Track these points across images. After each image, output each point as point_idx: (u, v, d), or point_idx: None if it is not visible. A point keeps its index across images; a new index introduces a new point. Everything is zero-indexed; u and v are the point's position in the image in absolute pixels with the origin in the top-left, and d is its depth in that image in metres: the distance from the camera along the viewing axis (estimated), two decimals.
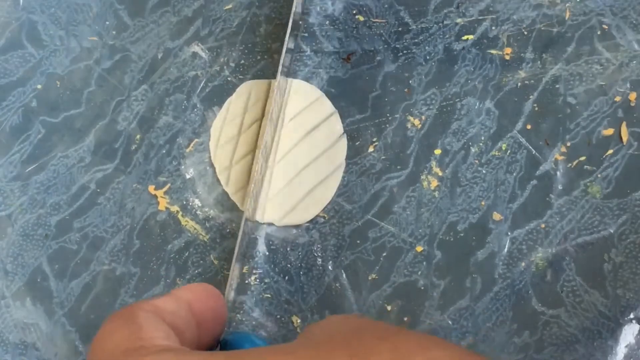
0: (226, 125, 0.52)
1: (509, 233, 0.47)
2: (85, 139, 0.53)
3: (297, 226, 0.49)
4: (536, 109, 0.50)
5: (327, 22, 0.54)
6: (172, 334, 0.23)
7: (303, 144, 0.50)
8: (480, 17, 0.52)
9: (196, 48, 0.55)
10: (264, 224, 0.49)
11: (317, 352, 0.20)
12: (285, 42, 0.50)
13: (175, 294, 0.25)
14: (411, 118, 0.50)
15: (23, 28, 0.56)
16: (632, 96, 0.49)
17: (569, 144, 0.49)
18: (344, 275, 0.47)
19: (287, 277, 0.48)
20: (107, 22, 0.56)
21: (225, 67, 0.54)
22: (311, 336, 0.23)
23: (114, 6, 0.56)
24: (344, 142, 0.50)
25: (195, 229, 0.50)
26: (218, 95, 0.53)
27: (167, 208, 0.51)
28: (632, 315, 0.45)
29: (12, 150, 0.53)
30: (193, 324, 0.25)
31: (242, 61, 0.54)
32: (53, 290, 0.49)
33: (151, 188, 0.51)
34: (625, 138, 0.48)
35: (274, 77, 0.53)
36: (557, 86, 0.50)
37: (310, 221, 0.49)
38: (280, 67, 0.49)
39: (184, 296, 0.25)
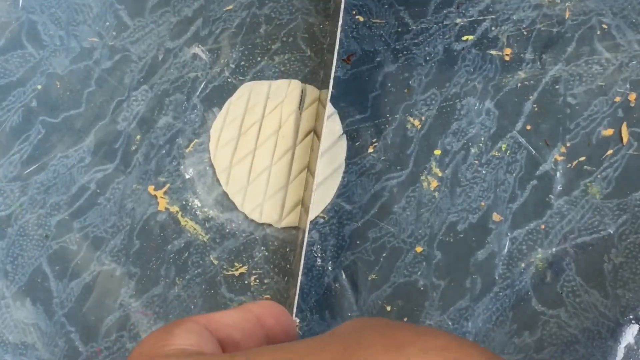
0: (226, 126, 0.52)
1: (509, 233, 0.47)
2: (85, 139, 0.53)
3: (297, 227, 0.49)
4: (536, 109, 0.50)
5: (327, 23, 0.54)
6: (210, 344, 0.24)
7: (303, 145, 0.50)
8: (480, 17, 0.52)
9: (196, 49, 0.55)
10: (263, 224, 0.49)
11: (313, 345, 0.21)
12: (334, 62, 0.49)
13: (244, 307, 0.26)
14: (411, 118, 0.50)
15: (23, 28, 0.56)
16: (632, 96, 0.49)
17: (568, 144, 0.49)
18: (344, 275, 0.47)
19: (287, 278, 0.48)
20: (107, 23, 0.56)
21: (225, 68, 0.54)
22: (326, 334, 0.24)
23: (114, 6, 0.56)
24: (343, 143, 0.50)
25: (195, 229, 0.50)
26: (218, 96, 0.53)
27: (166, 208, 0.51)
28: (631, 316, 0.45)
29: (12, 151, 0.53)
30: (260, 337, 0.26)
31: (242, 62, 0.54)
32: (53, 290, 0.49)
33: (151, 188, 0.51)
34: (625, 138, 0.48)
35: (274, 78, 0.53)
36: (557, 86, 0.50)
37: (310, 222, 0.49)
38: (331, 80, 0.49)
39: (254, 310, 0.26)
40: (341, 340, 0.21)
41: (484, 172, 0.49)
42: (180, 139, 0.52)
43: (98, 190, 0.52)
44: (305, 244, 0.46)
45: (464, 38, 0.52)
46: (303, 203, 0.49)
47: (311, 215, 0.49)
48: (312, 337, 0.23)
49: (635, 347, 0.44)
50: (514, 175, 0.48)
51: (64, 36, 0.56)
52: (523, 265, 0.46)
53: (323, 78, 0.52)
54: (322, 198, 0.49)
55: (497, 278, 0.46)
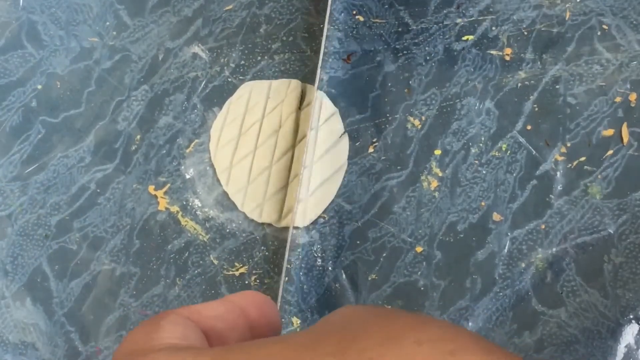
0: (226, 126, 0.52)
1: (509, 233, 0.47)
2: (85, 139, 0.53)
3: (297, 227, 0.49)
4: (536, 109, 0.50)
5: (327, 22, 0.54)
6: (196, 335, 0.24)
7: (302, 145, 0.50)
8: (480, 18, 0.52)
9: (196, 49, 0.55)
10: (263, 224, 0.49)
11: (308, 338, 0.21)
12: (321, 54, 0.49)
13: (227, 299, 0.26)
14: (411, 118, 0.50)
15: (23, 28, 0.56)
16: (632, 96, 0.49)
17: (569, 144, 0.49)
18: (344, 275, 0.47)
19: (287, 278, 0.48)
20: (107, 22, 0.56)
21: (225, 67, 0.54)
22: (319, 324, 0.23)
23: (114, 6, 0.56)
24: (345, 142, 0.50)
25: (195, 229, 0.50)
26: (218, 96, 0.53)
27: (167, 208, 0.51)
28: (631, 315, 0.45)
29: (12, 151, 0.53)
30: (244, 328, 0.26)
31: (242, 62, 0.54)
32: (53, 290, 0.49)
33: (151, 188, 0.51)
34: (625, 138, 0.48)
35: (274, 78, 0.53)
36: (557, 86, 0.50)
37: (311, 222, 0.49)
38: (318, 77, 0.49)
39: (237, 301, 0.26)
40: (335, 332, 0.21)
41: (484, 172, 0.49)
42: (181, 139, 0.52)
43: (98, 190, 0.52)
44: (289, 242, 0.46)
45: (464, 38, 0.52)
46: (298, 201, 0.49)
47: (313, 215, 0.49)
48: (307, 328, 0.23)
49: (635, 347, 0.44)
50: (514, 175, 0.48)
51: (64, 36, 0.56)
52: (523, 265, 0.46)
53: (327, 80, 0.52)
54: (323, 198, 0.49)
55: (497, 278, 0.46)
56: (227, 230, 0.50)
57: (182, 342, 0.23)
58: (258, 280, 0.48)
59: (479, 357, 0.19)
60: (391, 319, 0.21)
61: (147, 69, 0.54)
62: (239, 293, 0.27)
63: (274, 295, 0.47)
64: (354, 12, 0.53)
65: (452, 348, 0.19)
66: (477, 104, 0.50)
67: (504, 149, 0.49)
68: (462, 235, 0.47)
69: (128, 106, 0.54)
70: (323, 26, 0.53)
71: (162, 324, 0.23)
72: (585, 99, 0.49)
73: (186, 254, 0.49)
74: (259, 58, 0.54)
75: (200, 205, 0.50)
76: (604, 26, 0.51)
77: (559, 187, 0.48)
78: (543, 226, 0.47)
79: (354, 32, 0.53)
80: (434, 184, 0.49)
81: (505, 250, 0.47)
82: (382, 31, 0.53)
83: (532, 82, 0.50)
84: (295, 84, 0.52)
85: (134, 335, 0.23)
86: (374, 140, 0.50)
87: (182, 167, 0.52)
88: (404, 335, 0.20)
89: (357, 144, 0.50)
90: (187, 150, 0.52)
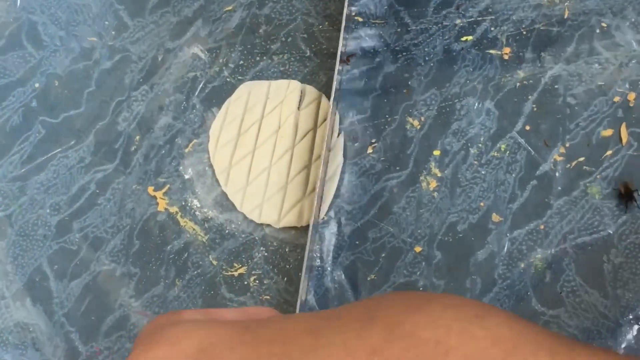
0: (225, 126, 0.52)
1: (509, 233, 0.47)
2: (85, 140, 0.53)
3: (296, 227, 0.49)
4: (535, 109, 0.50)
5: (327, 23, 0.54)
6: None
7: (302, 145, 0.50)
8: (480, 18, 0.52)
9: (196, 49, 0.55)
10: (262, 224, 0.49)
11: (334, 312, 0.23)
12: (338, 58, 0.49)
13: (243, 308, 0.28)
14: (410, 119, 0.50)
15: (23, 28, 0.56)
16: (631, 96, 0.49)
17: (568, 145, 0.48)
18: (344, 275, 0.47)
19: (286, 278, 0.48)
20: (107, 23, 0.56)
21: (224, 68, 0.54)
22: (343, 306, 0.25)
23: (113, 6, 0.56)
24: (341, 142, 0.50)
25: (194, 229, 0.50)
26: (217, 96, 0.53)
27: (166, 209, 0.51)
28: (631, 315, 0.45)
29: (12, 151, 0.53)
30: None
31: (242, 62, 0.54)
32: (53, 290, 0.49)
33: (150, 189, 0.51)
34: (625, 139, 0.48)
35: (273, 78, 0.53)
36: (556, 86, 0.50)
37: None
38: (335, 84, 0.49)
39: (249, 311, 0.28)
40: (361, 306, 0.23)
41: (483, 172, 0.49)
42: (180, 139, 0.52)
43: (98, 191, 0.52)
44: (308, 244, 0.46)
45: (464, 38, 0.52)
46: (309, 202, 0.49)
47: (318, 216, 0.49)
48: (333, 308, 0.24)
49: (635, 347, 0.44)
50: (514, 175, 0.48)
51: (63, 36, 0.56)
52: (523, 265, 0.46)
53: (325, 80, 0.52)
54: (323, 198, 0.49)
55: (497, 278, 0.46)
56: (227, 231, 0.50)
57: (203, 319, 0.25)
58: (257, 281, 0.48)
59: (504, 319, 0.20)
60: (414, 295, 0.23)
61: (146, 70, 0.54)
62: (256, 307, 0.29)
63: (274, 296, 0.48)
64: (354, 13, 0.53)
65: (477, 312, 0.21)
66: (477, 104, 0.50)
67: (503, 149, 0.49)
68: (462, 236, 0.47)
69: (128, 106, 0.54)
70: (323, 27, 0.53)
71: (184, 312, 0.25)
72: (585, 99, 0.49)
73: (186, 255, 0.49)
74: (258, 58, 0.54)
75: (199, 205, 0.50)
76: (604, 25, 0.51)
77: (559, 188, 0.48)
78: (543, 226, 0.47)
79: (354, 32, 0.53)
80: (434, 184, 0.49)
81: (505, 251, 0.47)
82: (381, 32, 0.53)
83: (532, 82, 0.50)
84: (294, 84, 0.52)
85: (158, 318, 0.25)
86: (374, 140, 0.50)
87: (181, 168, 0.52)
88: (429, 302, 0.21)
89: (356, 144, 0.50)
90: (186, 151, 0.52)
